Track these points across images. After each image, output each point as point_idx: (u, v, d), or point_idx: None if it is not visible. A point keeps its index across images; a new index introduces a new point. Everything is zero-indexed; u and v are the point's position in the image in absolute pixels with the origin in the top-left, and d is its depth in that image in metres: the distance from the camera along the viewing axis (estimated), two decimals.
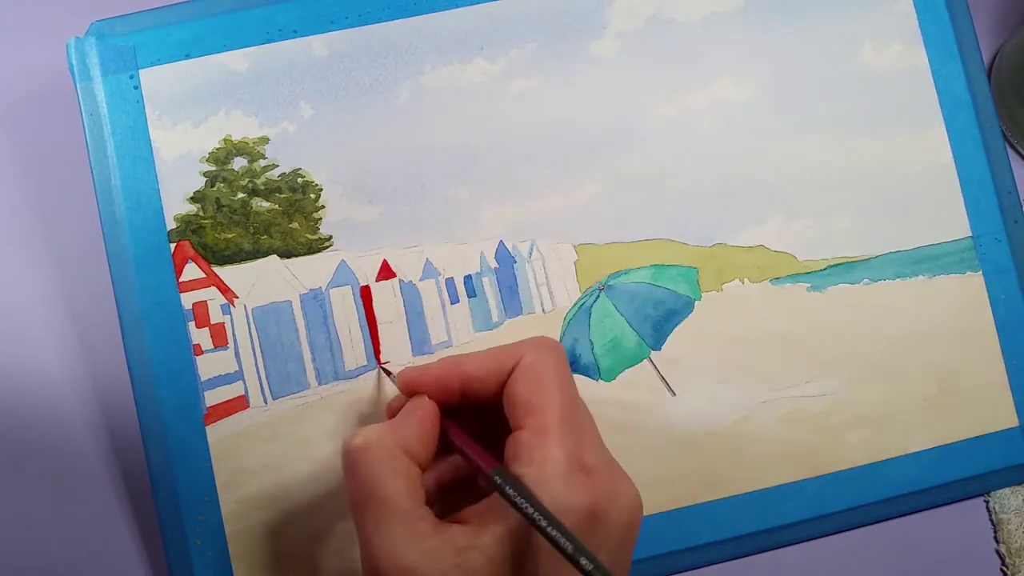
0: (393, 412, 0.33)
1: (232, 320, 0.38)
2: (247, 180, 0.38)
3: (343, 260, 0.39)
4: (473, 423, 0.32)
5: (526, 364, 0.31)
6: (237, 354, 0.38)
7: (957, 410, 0.39)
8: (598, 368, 0.39)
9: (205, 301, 0.38)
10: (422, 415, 0.31)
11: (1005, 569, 0.40)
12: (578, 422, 0.30)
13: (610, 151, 0.40)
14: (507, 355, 0.31)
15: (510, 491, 0.27)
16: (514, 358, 0.31)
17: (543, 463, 0.28)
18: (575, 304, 0.39)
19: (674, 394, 0.39)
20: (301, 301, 0.38)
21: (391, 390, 0.38)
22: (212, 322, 0.38)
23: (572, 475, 0.28)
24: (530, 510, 0.27)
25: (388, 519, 0.28)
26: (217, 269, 0.38)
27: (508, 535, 0.28)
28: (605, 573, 0.25)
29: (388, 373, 0.38)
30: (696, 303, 0.39)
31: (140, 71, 0.38)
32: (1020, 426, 0.40)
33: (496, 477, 0.28)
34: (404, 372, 0.32)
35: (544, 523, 0.27)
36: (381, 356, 0.38)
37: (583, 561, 0.26)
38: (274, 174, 0.38)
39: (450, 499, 0.32)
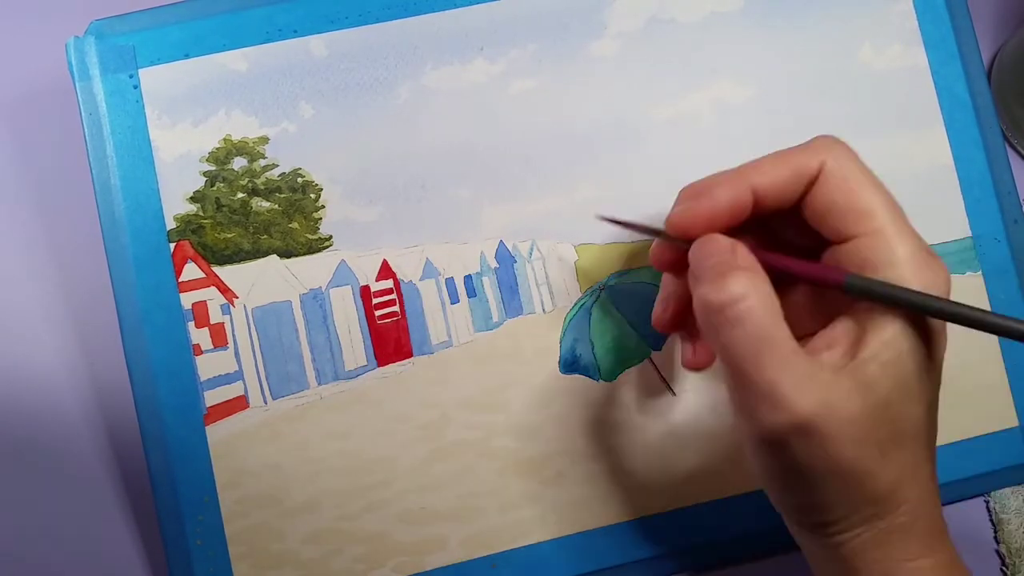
0: (663, 257, 0.32)
1: (232, 320, 0.38)
2: (247, 180, 0.38)
3: (343, 260, 0.38)
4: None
5: (832, 169, 0.29)
6: (237, 354, 0.38)
7: (957, 410, 0.39)
8: (598, 368, 0.39)
9: (205, 301, 0.38)
10: (744, 249, 0.29)
11: (1005, 569, 0.40)
12: (904, 216, 0.29)
13: (610, 151, 0.39)
14: (805, 160, 0.29)
15: (878, 287, 0.27)
16: (814, 162, 0.29)
17: (894, 265, 0.28)
18: (575, 304, 0.39)
19: (674, 394, 0.39)
20: (301, 301, 0.38)
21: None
22: (212, 322, 0.38)
23: (927, 268, 0.28)
24: (913, 297, 0.27)
25: (787, 365, 0.26)
26: (217, 269, 0.38)
27: (891, 339, 0.27)
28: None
29: (622, 224, 0.34)
30: None
31: (139, 71, 0.38)
32: (1020, 426, 0.40)
33: (852, 280, 0.28)
34: (677, 211, 0.30)
35: (931, 302, 0.27)
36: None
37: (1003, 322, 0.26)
38: (274, 174, 0.38)
39: None
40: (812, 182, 0.29)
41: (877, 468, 0.28)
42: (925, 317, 0.28)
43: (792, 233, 0.32)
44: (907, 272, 0.28)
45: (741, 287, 0.27)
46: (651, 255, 0.32)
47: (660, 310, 0.33)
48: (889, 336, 0.27)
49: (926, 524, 0.29)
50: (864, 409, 0.27)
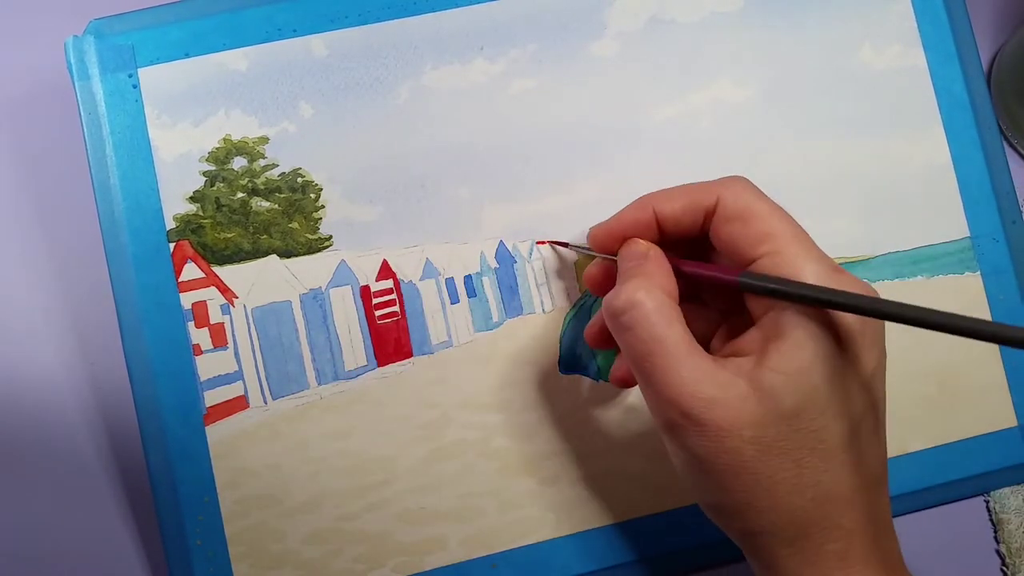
0: (593, 277, 0.35)
1: (232, 320, 0.38)
2: (247, 180, 0.38)
3: (343, 260, 0.38)
4: None
5: (728, 202, 0.31)
6: (237, 354, 0.38)
7: (956, 410, 0.39)
8: (598, 368, 0.39)
9: (204, 301, 0.38)
10: (655, 255, 0.32)
11: (1005, 569, 0.40)
12: (808, 235, 0.30)
13: (610, 151, 0.40)
14: (703, 193, 0.31)
15: (772, 285, 0.28)
16: (711, 197, 0.31)
17: (799, 278, 0.29)
18: (575, 304, 0.39)
19: None
20: (301, 301, 0.38)
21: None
22: (211, 322, 0.38)
23: (834, 278, 0.28)
24: (807, 291, 0.28)
25: (678, 361, 0.28)
26: (217, 269, 0.38)
27: (790, 349, 0.28)
28: (927, 314, 0.26)
29: (563, 244, 0.39)
30: None
31: (139, 70, 0.38)
32: (1019, 426, 0.40)
33: (745, 279, 0.29)
34: (593, 229, 0.34)
35: (825, 295, 0.27)
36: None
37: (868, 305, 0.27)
38: (274, 174, 0.38)
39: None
40: (710, 214, 0.31)
41: (791, 479, 0.28)
42: (838, 329, 0.28)
43: (713, 298, 0.34)
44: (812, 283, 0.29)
45: (632, 294, 0.29)
46: (585, 278, 0.35)
47: (588, 327, 0.35)
48: (788, 346, 0.28)
49: (867, 553, 0.29)
50: (766, 415, 0.28)
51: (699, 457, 0.29)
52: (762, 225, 0.30)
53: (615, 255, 0.33)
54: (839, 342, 0.28)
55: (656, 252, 0.32)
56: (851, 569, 0.28)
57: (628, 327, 0.29)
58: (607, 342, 0.35)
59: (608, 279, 0.34)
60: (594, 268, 0.35)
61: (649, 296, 0.29)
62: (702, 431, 0.28)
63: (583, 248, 0.38)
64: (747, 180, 0.32)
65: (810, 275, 0.28)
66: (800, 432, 0.28)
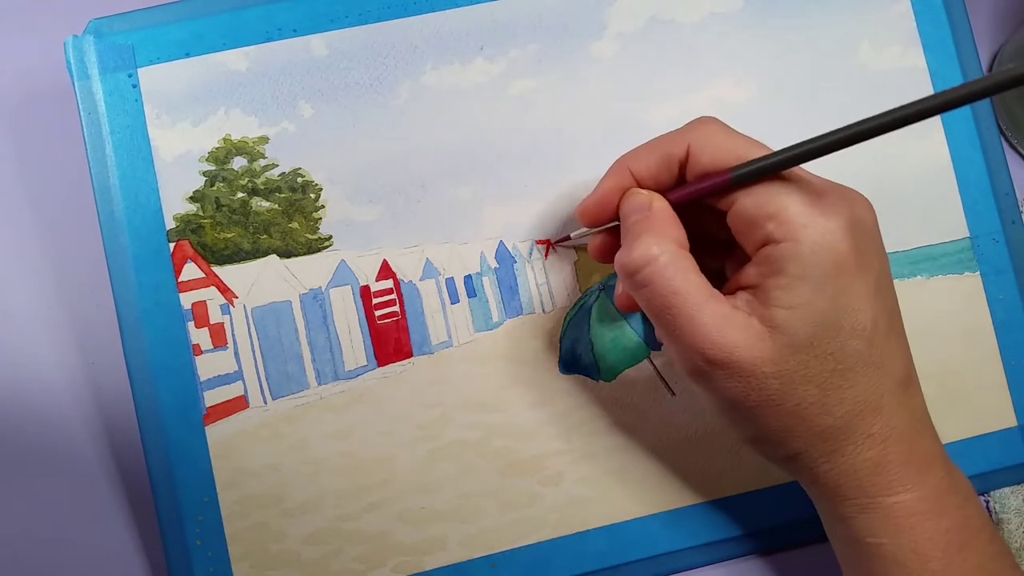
0: (596, 248, 0.35)
1: (231, 320, 0.38)
2: (247, 180, 0.38)
3: (343, 260, 0.38)
4: None
5: (699, 147, 0.31)
6: (236, 354, 0.38)
7: (956, 410, 0.39)
8: (598, 368, 0.39)
9: (204, 301, 0.38)
10: (659, 205, 0.32)
11: None
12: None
13: (610, 151, 0.39)
14: (672, 145, 0.32)
15: (761, 164, 0.29)
16: (681, 146, 0.31)
17: (782, 209, 0.29)
18: (575, 304, 0.39)
19: (674, 394, 0.39)
20: (301, 301, 0.38)
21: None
22: (211, 322, 0.38)
23: (815, 206, 0.29)
24: (799, 149, 0.29)
25: (698, 310, 0.29)
26: (216, 269, 0.38)
27: (789, 283, 0.29)
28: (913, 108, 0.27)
29: (563, 240, 0.39)
30: None
31: (139, 70, 0.38)
32: (1019, 426, 0.40)
33: (736, 173, 0.30)
34: (580, 207, 0.34)
35: (810, 144, 0.29)
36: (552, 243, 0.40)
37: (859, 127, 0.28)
38: (274, 174, 0.38)
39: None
40: (683, 163, 0.32)
41: (818, 402, 0.29)
42: (832, 249, 0.29)
43: (717, 228, 0.33)
44: (792, 210, 0.29)
45: (645, 250, 0.30)
46: (590, 250, 0.35)
47: (615, 295, 0.35)
48: (788, 281, 0.29)
49: (903, 455, 0.30)
50: (783, 349, 0.29)
51: (729, 398, 0.30)
52: (733, 156, 0.30)
53: (613, 221, 0.33)
54: (835, 262, 0.29)
55: (660, 202, 0.32)
56: (888, 474, 0.30)
57: (645, 283, 0.30)
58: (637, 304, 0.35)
59: (610, 244, 0.35)
60: (595, 240, 0.35)
61: (662, 249, 0.30)
62: (728, 374, 0.29)
63: (584, 232, 0.37)
64: (714, 119, 0.32)
65: (787, 196, 0.29)
66: (818, 358, 0.29)
